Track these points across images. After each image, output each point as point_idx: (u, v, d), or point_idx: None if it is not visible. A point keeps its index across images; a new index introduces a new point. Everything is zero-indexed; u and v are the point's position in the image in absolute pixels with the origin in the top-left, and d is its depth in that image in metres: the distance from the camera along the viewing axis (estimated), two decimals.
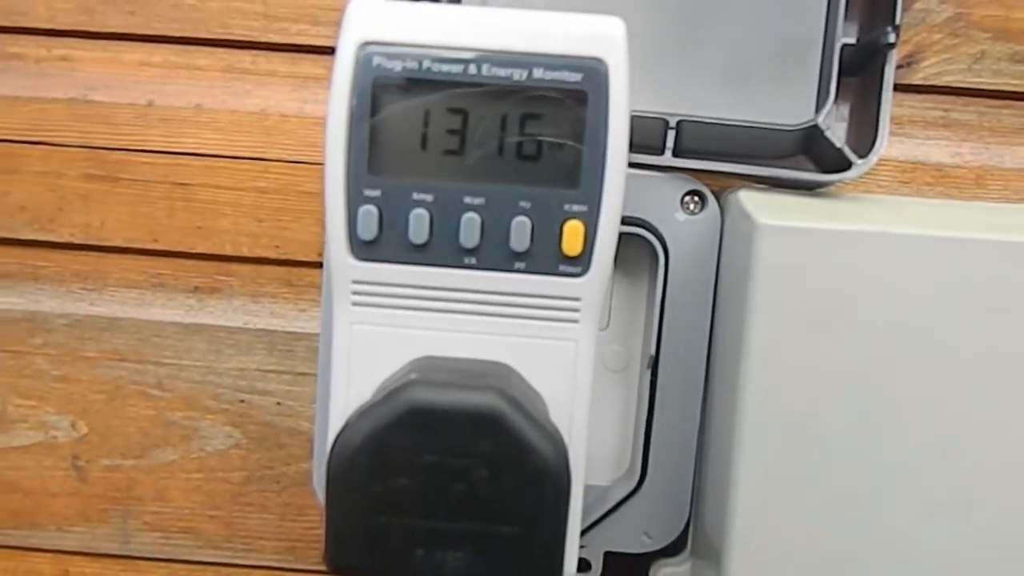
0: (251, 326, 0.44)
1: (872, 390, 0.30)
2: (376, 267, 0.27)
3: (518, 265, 0.27)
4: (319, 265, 0.42)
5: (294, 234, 0.43)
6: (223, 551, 0.45)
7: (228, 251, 0.43)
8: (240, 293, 0.44)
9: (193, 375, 0.44)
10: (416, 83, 0.26)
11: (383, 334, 0.28)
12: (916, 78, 0.41)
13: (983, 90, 0.41)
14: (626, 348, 0.36)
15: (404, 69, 0.26)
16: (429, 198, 0.27)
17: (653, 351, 0.34)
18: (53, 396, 0.44)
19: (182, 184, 0.43)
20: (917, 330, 0.30)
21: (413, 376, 0.25)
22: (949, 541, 0.30)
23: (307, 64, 0.42)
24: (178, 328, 0.44)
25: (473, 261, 0.27)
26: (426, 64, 0.26)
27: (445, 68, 0.26)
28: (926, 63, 0.41)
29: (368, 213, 0.27)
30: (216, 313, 0.44)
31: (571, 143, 0.26)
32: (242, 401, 0.44)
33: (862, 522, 0.30)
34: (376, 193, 0.27)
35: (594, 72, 0.26)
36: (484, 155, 0.27)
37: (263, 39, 0.42)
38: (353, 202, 0.27)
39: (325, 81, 0.42)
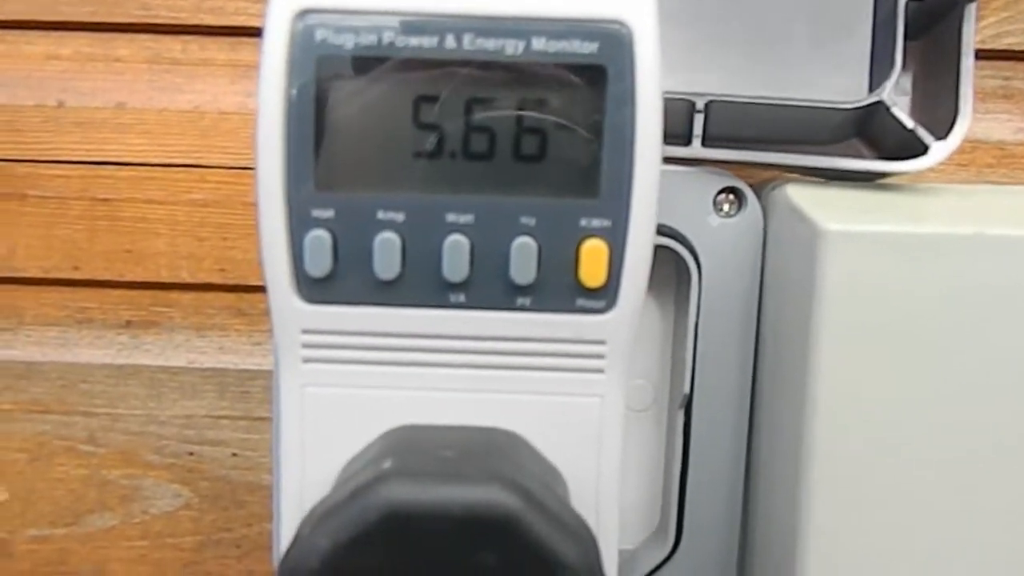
0: (197, 365, 0.37)
1: (969, 425, 0.24)
2: (332, 311, 0.20)
3: (521, 301, 0.20)
4: None
5: (242, 253, 0.36)
6: None
7: (164, 277, 0.36)
8: (182, 326, 0.37)
9: (131, 425, 0.37)
10: (375, 63, 0.20)
11: (345, 397, 0.21)
12: None
13: None
14: (650, 382, 0.30)
15: (357, 45, 0.20)
16: (399, 217, 0.20)
17: (687, 388, 0.28)
18: None
19: (104, 200, 0.36)
20: None
21: (387, 464, 0.18)
22: None
23: (248, 50, 0.36)
24: (110, 371, 0.37)
25: (461, 298, 0.20)
26: (387, 37, 0.20)
27: (413, 42, 0.20)
28: (982, 23, 0.35)
29: (318, 241, 0.20)
30: (154, 351, 0.37)
31: (587, 136, 0.20)
32: (190, 454, 0.37)
33: None
34: (328, 214, 0.20)
35: (615, 40, 0.19)
36: (471, 157, 0.20)
37: (194, 21, 0.35)
38: (298, 228, 0.20)
39: None
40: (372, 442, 0.21)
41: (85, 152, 0.36)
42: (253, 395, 0.37)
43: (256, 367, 0.37)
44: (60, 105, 0.36)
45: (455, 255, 0.20)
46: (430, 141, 0.20)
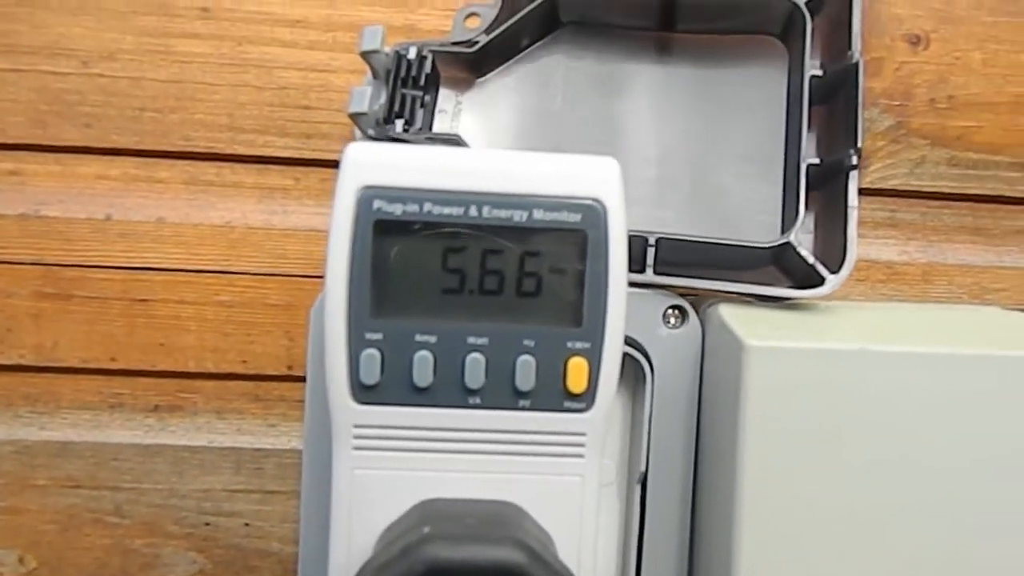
0: (216, 444, 0.42)
1: (868, 505, 0.30)
2: (378, 410, 0.27)
3: (523, 403, 0.27)
4: (288, 379, 0.41)
5: (262, 348, 0.42)
6: None
7: (192, 367, 0.42)
8: (204, 410, 0.42)
9: (154, 499, 0.42)
10: (416, 225, 0.26)
11: (385, 478, 0.27)
12: (864, 182, 0.43)
13: (924, 192, 0.44)
14: (614, 461, 0.36)
15: (404, 212, 0.26)
16: (432, 339, 0.26)
17: (643, 467, 0.34)
18: None
19: (142, 300, 0.41)
20: (905, 442, 0.30)
21: (426, 530, 0.24)
22: None
23: (274, 175, 0.42)
24: (138, 450, 0.42)
25: (477, 400, 0.27)
26: (427, 207, 0.26)
27: (446, 211, 0.26)
28: (872, 168, 0.44)
29: (370, 357, 0.26)
30: (178, 432, 0.42)
31: (572, 280, 0.27)
32: (207, 524, 0.42)
33: None
34: (378, 336, 0.26)
35: (593, 212, 0.27)
36: (485, 293, 0.27)
37: (228, 151, 0.42)
38: (355, 346, 0.26)
39: (293, 192, 0.41)
40: (406, 513, 0.27)
41: (127, 259, 0.41)
42: (266, 471, 0.42)
43: (269, 446, 0.42)
44: (107, 218, 0.41)
45: (474, 368, 0.27)
46: (455, 281, 0.27)
